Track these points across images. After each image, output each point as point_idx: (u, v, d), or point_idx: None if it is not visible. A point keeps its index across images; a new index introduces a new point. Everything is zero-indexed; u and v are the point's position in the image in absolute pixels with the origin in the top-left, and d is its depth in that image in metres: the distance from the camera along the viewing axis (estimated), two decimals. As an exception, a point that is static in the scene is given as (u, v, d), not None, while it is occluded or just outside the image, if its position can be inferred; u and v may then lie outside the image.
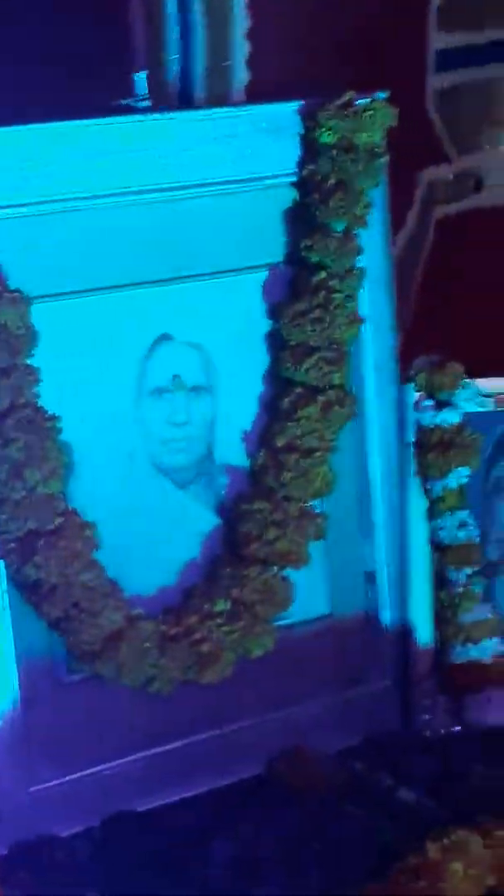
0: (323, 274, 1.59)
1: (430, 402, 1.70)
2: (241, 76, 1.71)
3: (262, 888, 1.44)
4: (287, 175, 1.59)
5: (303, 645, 1.69)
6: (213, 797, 1.60)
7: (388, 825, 1.56)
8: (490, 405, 1.72)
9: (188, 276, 1.57)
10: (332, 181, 1.57)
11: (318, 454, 1.60)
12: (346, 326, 1.60)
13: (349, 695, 1.72)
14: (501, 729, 1.70)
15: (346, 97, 1.56)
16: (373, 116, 1.56)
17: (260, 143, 1.57)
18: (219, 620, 1.57)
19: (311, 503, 1.62)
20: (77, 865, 1.49)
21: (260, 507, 1.60)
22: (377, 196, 1.63)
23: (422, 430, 1.70)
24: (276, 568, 1.60)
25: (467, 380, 1.71)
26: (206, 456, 1.63)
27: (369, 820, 1.57)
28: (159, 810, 1.57)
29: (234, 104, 1.63)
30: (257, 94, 1.70)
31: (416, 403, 1.70)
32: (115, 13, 1.66)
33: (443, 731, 1.73)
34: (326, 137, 1.56)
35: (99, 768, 1.57)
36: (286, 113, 1.58)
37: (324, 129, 1.56)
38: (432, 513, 1.71)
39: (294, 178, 1.60)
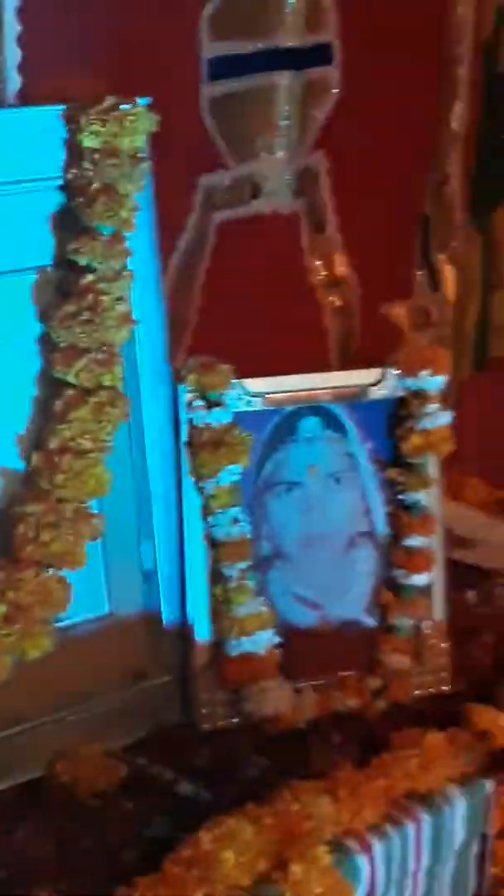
0: (91, 276, 1.60)
1: (201, 402, 1.72)
2: (13, 82, 1.72)
3: (36, 886, 1.45)
4: (52, 179, 1.60)
5: (83, 645, 1.70)
6: (-8, 801, 1.61)
7: (165, 818, 1.58)
8: (259, 404, 1.76)
9: (-46, 279, 1.58)
10: (96, 185, 1.58)
11: (91, 455, 1.62)
12: (117, 328, 1.62)
13: (132, 691, 1.74)
14: (275, 719, 1.74)
15: (107, 102, 1.58)
16: (134, 122, 1.58)
17: (23, 147, 1.57)
18: (-5, 623, 1.58)
19: (86, 504, 1.63)
20: None
21: (34, 509, 1.60)
22: (144, 199, 1.64)
23: (194, 430, 1.72)
24: (52, 570, 1.61)
25: (236, 380, 1.74)
26: (-20, 459, 1.63)
27: (145, 814, 1.59)
28: None
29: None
30: (30, 99, 1.71)
31: (189, 403, 1.72)
32: None
33: (221, 723, 1.75)
34: (89, 141, 1.58)
35: None
36: (49, 117, 1.59)
37: (86, 134, 1.57)
38: (206, 510, 1.73)
39: (59, 182, 1.61)
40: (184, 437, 1.73)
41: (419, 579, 1.85)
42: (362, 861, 1.56)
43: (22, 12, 1.68)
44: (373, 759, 1.65)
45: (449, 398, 2.34)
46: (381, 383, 1.82)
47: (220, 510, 1.73)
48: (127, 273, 1.63)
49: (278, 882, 1.49)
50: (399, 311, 2.35)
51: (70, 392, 1.62)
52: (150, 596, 1.76)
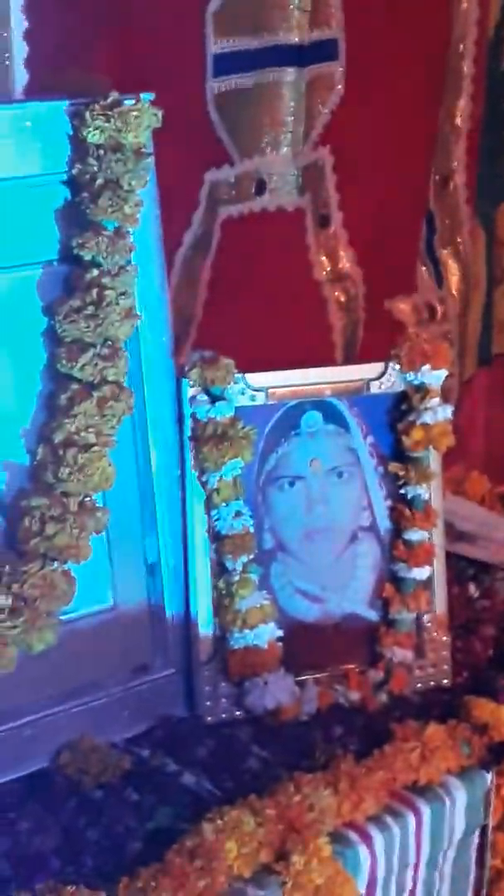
0: (95, 271, 1.61)
1: (204, 397, 1.73)
2: (20, 77, 1.72)
3: (40, 878, 1.46)
4: (56, 174, 1.61)
5: (87, 637, 1.71)
6: (-3, 792, 1.62)
7: (168, 809, 1.60)
8: (262, 399, 1.77)
9: (-41, 274, 1.59)
10: (100, 180, 1.59)
11: (96, 449, 1.63)
12: (121, 323, 1.63)
13: (136, 684, 1.75)
14: (277, 712, 1.75)
15: (111, 98, 1.59)
16: (138, 117, 1.60)
17: (28, 142, 1.59)
18: (0, 617, 1.58)
19: (91, 498, 1.64)
20: None
21: (39, 502, 1.61)
22: (148, 195, 1.66)
23: (197, 424, 1.73)
24: (56, 563, 1.62)
25: (239, 375, 1.75)
26: (-15, 453, 1.64)
27: (149, 805, 1.60)
28: None
29: (2, 103, 1.63)
30: (36, 94, 1.72)
31: (192, 398, 1.73)
32: None
33: (224, 715, 1.77)
34: (93, 137, 1.59)
35: None
36: (53, 112, 1.60)
37: (90, 129, 1.58)
38: (209, 504, 1.74)
39: (64, 177, 1.62)
40: (187, 431, 1.74)
41: (420, 573, 1.86)
42: (363, 852, 1.58)
43: (28, 8, 1.69)
44: (374, 752, 1.67)
45: (452, 393, 2.36)
46: (382, 378, 1.83)
47: (224, 504, 1.74)
48: (131, 268, 1.64)
49: (280, 873, 1.51)
50: (403, 307, 2.36)
51: (75, 386, 1.63)
52: (153, 589, 1.77)
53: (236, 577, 1.74)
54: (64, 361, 1.62)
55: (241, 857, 1.49)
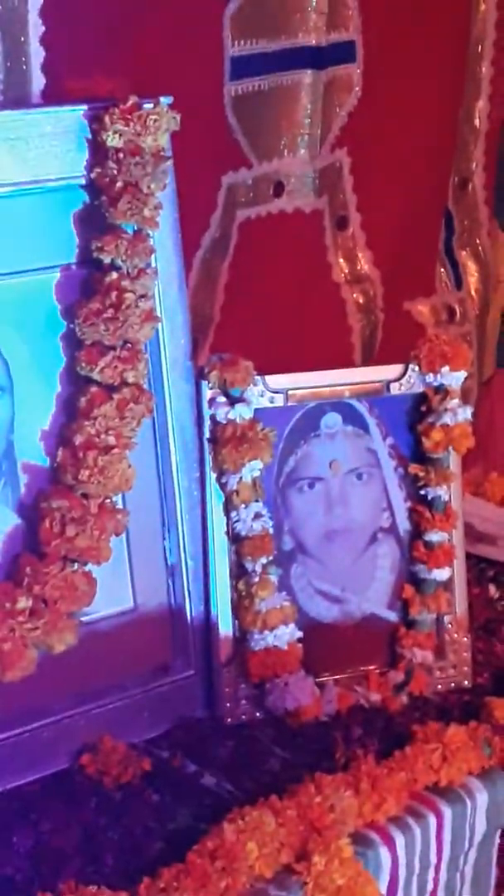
0: (115, 274, 1.62)
1: (224, 399, 1.74)
2: (37, 81, 1.73)
3: (62, 877, 1.47)
4: (75, 178, 1.62)
5: (108, 639, 1.72)
6: (18, 792, 1.61)
7: (188, 810, 1.60)
8: (281, 401, 1.77)
9: (-20, 278, 1.60)
10: (119, 184, 1.60)
11: (116, 451, 1.63)
12: (140, 325, 1.63)
13: (156, 685, 1.76)
14: (297, 713, 1.75)
15: (130, 102, 1.59)
16: (157, 121, 1.60)
17: (48, 146, 1.59)
18: (21, 618, 1.58)
19: (111, 499, 1.65)
20: None
21: (59, 504, 1.62)
22: (167, 198, 1.66)
23: (217, 426, 1.74)
24: (77, 564, 1.63)
25: (258, 376, 1.75)
26: (5, 455, 1.64)
27: (169, 806, 1.61)
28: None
29: (19, 108, 1.64)
30: (54, 98, 1.73)
31: (211, 400, 1.74)
32: None
33: (244, 716, 1.77)
34: (112, 141, 1.59)
35: None
36: (73, 116, 1.61)
37: (110, 133, 1.59)
38: (229, 505, 1.75)
39: (83, 181, 1.63)
40: (206, 433, 1.75)
41: (440, 574, 1.86)
42: (384, 853, 1.58)
43: (45, 12, 1.69)
44: (395, 753, 1.67)
45: (471, 394, 2.36)
46: (402, 379, 1.83)
47: (243, 505, 1.74)
48: (151, 271, 1.65)
49: (301, 874, 1.51)
50: (422, 308, 2.36)
51: (95, 389, 1.63)
52: (173, 590, 1.77)
53: (256, 579, 1.75)
54: (84, 364, 1.63)
55: (263, 858, 1.50)
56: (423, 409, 1.84)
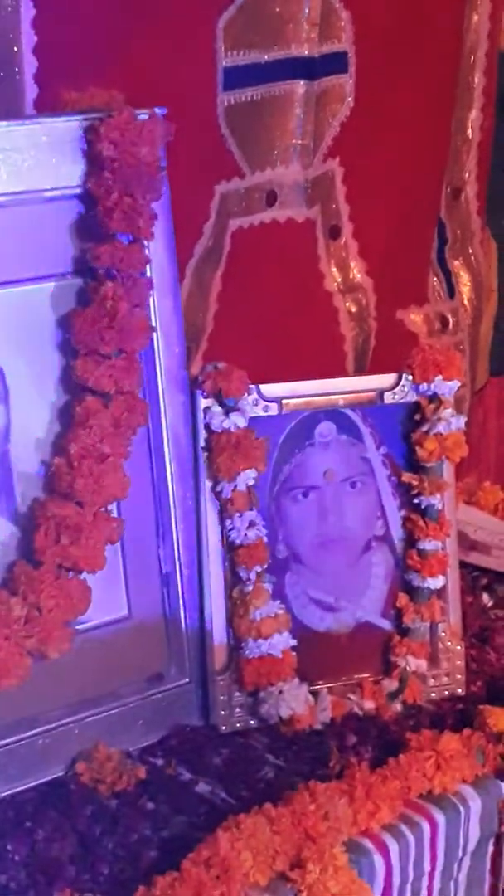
0: (110, 284, 1.62)
1: (218, 408, 1.74)
2: (31, 91, 1.74)
3: (56, 885, 1.47)
4: (70, 188, 1.62)
5: (102, 647, 1.72)
6: (13, 801, 1.62)
7: (183, 818, 1.61)
8: (275, 410, 1.78)
9: (-25, 288, 1.60)
10: (114, 194, 1.60)
11: (110, 460, 1.64)
12: (135, 335, 1.64)
13: (150, 693, 1.76)
14: (291, 721, 1.76)
15: (125, 112, 1.60)
16: (152, 131, 1.61)
17: (42, 157, 1.60)
18: (15, 626, 1.59)
19: (106, 508, 1.66)
20: None
21: (54, 513, 1.62)
22: (162, 208, 1.67)
23: (211, 435, 1.74)
24: (72, 572, 1.63)
25: (252, 386, 1.76)
26: (1, 464, 1.64)
27: (164, 814, 1.61)
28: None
29: (12, 118, 1.64)
30: (46, 109, 1.73)
31: (205, 409, 1.74)
32: None
33: (238, 724, 1.77)
34: (108, 151, 1.59)
35: None
36: (68, 127, 1.61)
37: (105, 143, 1.59)
38: (223, 514, 1.75)
39: (78, 191, 1.63)
40: (201, 442, 1.75)
41: (434, 582, 1.86)
42: (378, 861, 1.58)
43: (38, 22, 1.70)
44: (389, 761, 1.67)
45: (464, 403, 2.37)
46: (396, 388, 1.84)
47: (237, 514, 1.74)
48: (146, 280, 1.65)
49: (295, 881, 1.51)
50: (415, 318, 2.37)
51: (90, 398, 1.64)
52: (168, 599, 1.78)
53: (250, 587, 1.75)
54: (79, 373, 1.63)
55: (257, 866, 1.50)
56: (417, 418, 1.85)
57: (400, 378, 1.84)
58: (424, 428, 1.84)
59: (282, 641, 1.76)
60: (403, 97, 2.21)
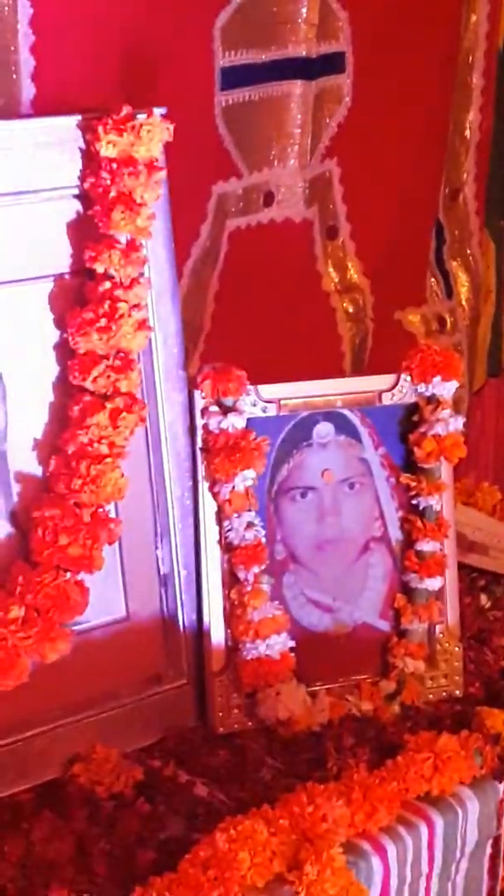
0: (108, 284, 1.62)
1: (216, 408, 1.74)
2: (27, 90, 1.73)
3: (53, 886, 1.46)
4: (69, 187, 1.62)
5: (100, 648, 1.71)
6: (10, 802, 1.61)
7: (180, 819, 1.60)
8: (273, 410, 1.77)
9: (-28, 288, 1.60)
10: (113, 194, 1.60)
11: (108, 460, 1.63)
12: (133, 335, 1.64)
13: (148, 694, 1.75)
14: (289, 722, 1.75)
15: (123, 112, 1.60)
16: (151, 131, 1.60)
17: (41, 156, 1.60)
18: (13, 627, 1.58)
19: (104, 508, 1.65)
20: None
21: (52, 513, 1.62)
22: (160, 207, 1.66)
23: (209, 435, 1.74)
24: (69, 573, 1.63)
25: (251, 386, 1.75)
26: (-2, 464, 1.65)
27: (161, 815, 1.61)
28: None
29: (14, 117, 1.65)
30: (44, 108, 1.73)
31: (204, 409, 1.74)
32: None
33: (236, 726, 1.77)
34: (106, 151, 1.59)
35: None
36: (66, 126, 1.61)
37: (103, 143, 1.59)
38: (221, 515, 1.75)
39: (76, 191, 1.63)
40: (199, 442, 1.75)
41: (432, 583, 1.86)
42: (376, 863, 1.58)
43: (35, 21, 1.70)
44: (386, 762, 1.67)
45: (462, 404, 2.37)
46: (394, 389, 1.84)
47: (235, 515, 1.74)
48: (144, 280, 1.65)
49: (293, 883, 1.50)
50: (413, 318, 2.37)
51: (87, 398, 1.63)
52: (166, 600, 1.77)
53: (248, 588, 1.75)
54: (77, 373, 1.63)
55: (255, 867, 1.49)
56: (415, 419, 1.84)
57: (398, 379, 1.84)
58: (423, 429, 1.84)
59: (280, 642, 1.76)
60: (401, 97, 2.21)
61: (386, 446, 1.86)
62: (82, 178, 1.62)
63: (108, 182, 1.60)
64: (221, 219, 2.05)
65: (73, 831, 1.56)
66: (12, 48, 1.70)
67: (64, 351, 1.66)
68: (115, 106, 1.62)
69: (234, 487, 1.73)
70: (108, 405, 1.63)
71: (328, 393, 1.82)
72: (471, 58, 2.34)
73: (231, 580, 1.77)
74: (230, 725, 1.77)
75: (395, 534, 1.87)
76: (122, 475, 1.65)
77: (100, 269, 1.63)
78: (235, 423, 1.73)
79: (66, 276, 1.65)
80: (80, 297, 1.65)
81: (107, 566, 1.66)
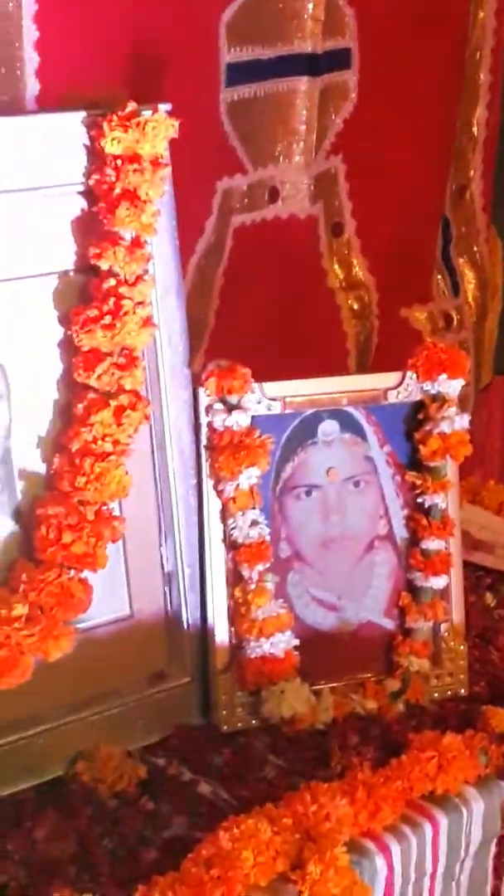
0: (113, 281, 1.62)
1: (220, 406, 1.73)
2: (32, 87, 1.73)
3: (56, 885, 1.46)
4: (74, 184, 1.62)
5: (104, 646, 1.71)
6: (13, 800, 1.61)
7: (183, 818, 1.60)
8: (278, 408, 1.77)
9: (-24, 284, 1.59)
10: (118, 190, 1.59)
11: (112, 458, 1.63)
12: (138, 332, 1.63)
13: (152, 692, 1.75)
14: (293, 721, 1.75)
15: (129, 109, 1.59)
16: (156, 128, 1.60)
17: (45, 153, 1.59)
18: (17, 625, 1.58)
19: (108, 506, 1.65)
20: None
21: (56, 511, 1.61)
22: (165, 204, 1.66)
23: (213, 433, 1.73)
24: (73, 571, 1.62)
25: (255, 384, 1.75)
26: (2, 462, 1.64)
27: (164, 813, 1.60)
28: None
29: (19, 114, 1.64)
30: (48, 104, 1.72)
31: (208, 407, 1.73)
32: None
33: (240, 724, 1.76)
34: (111, 147, 1.59)
35: None
36: (71, 123, 1.60)
37: (108, 140, 1.58)
38: (225, 513, 1.74)
39: (81, 187, 1.62)
40: (204, 440, 1.75)
41: (437, 582, 1.85)
42: (380, 862, 1.57)
43: (39, 17, 1.69)
44: (391, 761, 1.67)
45: (468, 402, 2.36)
46: (400, 387, 1.83)
47: (240, 513, 1.74)
48: (148, 278, 1.65)
49: (296, 882, 1.50)
50: (419, 315, 2.36)
51: (92, 395, 1.63)
52: (170, 598, 1.77)
53: (252, 586, 1.74)
54: (81, 371, 1.62)
55: (258, 866, 1.49)
56: (421, 416, 1.84)
57: (404, 376, 1.84)
58: (428, 427, 1.83)
59: (284, 641, 1.75)
60: (408, 93, 2.20)
61: (391, 444, 1.85)
62: (87, 175, 1.62)
63: (113, 178, 1.60)
64: (226, 215, 2.04)
65: (77, 829, 1.56)
66: (16, 44, 1.69)
67: (68, 348, 1.65)
68: (119, 102, 1.61)
69: (238, 485, 1.73)
70: (113, 403, 1.62)
71: (333, 391, 1.81)
72: (478, 54, 2.33)
73: (235, 578, 1.76)
74: (234, 724, 1.77)
75: (401, 532, 1.87)
76: (126, 473, 1.65)
77: (104, 265, 1.62)
78: (240, 420, 1.73)
79: (71, 273, 1.65)
80: (84, 294, 1.65)
81: (110, 564, 1.66)
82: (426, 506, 1.85)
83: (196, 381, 1.75)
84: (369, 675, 1.86)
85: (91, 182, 1.62)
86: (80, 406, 1.63)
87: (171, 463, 1.74)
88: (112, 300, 1.62)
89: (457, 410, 1.83)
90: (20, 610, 1.59)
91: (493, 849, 1.74)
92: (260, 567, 1.75)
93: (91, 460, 1.62)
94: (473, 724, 1.76)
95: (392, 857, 1.59)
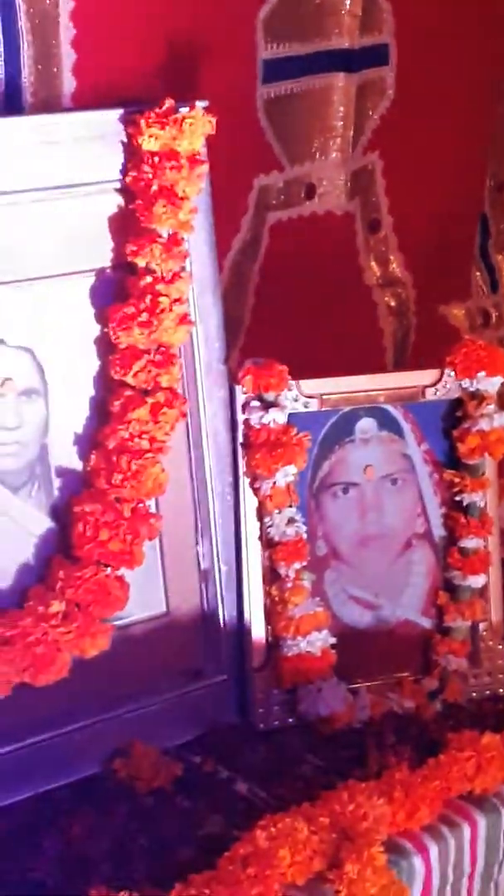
0: (149, 278, 1.61)
1: (257, 403, 1.73)
2: (68, 84, 1.73)
3: (91, 882, 1.46)
4: (111, 181, 1.62)
5: (140, 643, 1.71)
6: (49, 797, 1.61)
7: (220, 816, 1.60)
8: (315, 405, 1.76)
9: (15, 281, 1.58)
10: (155, 187, 1.59)
11: (149, 455, 1.63)
12: (174, 329, 1.63)
13: (187, 690, 1.75)
14: (330, 719, 1.75)
15: (165, 105, 1.59)
16: (193, 125, 1.60)
17: (83, 150, 1.59)
18: (54, 622, 1.58)
19: (144, 504, 1.64)
20: None
21: (93, 508, 1.61)
22: (202, 201, 1.66)
23: (250, 431, 1.73)
24: (110, 568, 1.62)
25: (292, 381, 1.74)
26: (39, 459, 1.64)
27: (201, 811, 1.60)
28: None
29: (56, 111, 1.64)
30: (84, 101, 1.72)
31: (245, 404, 1.73)
32: None
33: (277, 722, 1.76)
34: (148, 145, 1.59)
35: None
36: (109, 120, 1.61)
37: (145, 137, 1.58)
38: (262, 510, 1.74)
39: (118, 185, 1.62)
40: (240, 437, 1.74)
41: (475, 581, 1.85)
42: (418, 862, 1.57)
43: (76, 15, 1.69)
44: (428, 760, 1.66)
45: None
46: (437, 384, 1.82)
47: (277, 510, 1.74)
48: (185, 275, 1.64)
49: (333, 882, 1.50)
50: (457, 312, 2.35)
51: (128, 393, 1.63)
52: (206, 595, 1.77)
53: (289, 584, 1.74)
54: (117, 368, 1.62)
55: (295, 865, 1.49)
56: (459, 414, 1.83)
57: (442, 374, 1.83)
58: (466, 424, 1.83)
59: (321, 639, 1.75)
60: (445, 89, 2.19)
61: (429, 442, 1.84)
62: (124, 172, 1.62)
63: (150, 176, 1.60)
64: (263, 212, 2.03)
65: (112, 827, 1.56)
66: (53, 42, 1.69)
67: (105, 345, 1.65)
68: (157, 99, 1.61)
69: (275, 483, 1.73)
70: (149, 400, 1.62)
71: (370, 388, 1.81)
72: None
73: (272, 576, 1.76)
74: (270, 722, 1.77)
75: (438, 530, 1.86)
76: (163, 470, 1.64)
77: (141, 263, 1.62)
78: (277, 418, 1.73)
79: (108, 271, 1.65)
80: (121, 291, 1.65)
81: (147, 561, 1.66)
82: (464, 504, 1.84)
83: (232, 379, 1.75)
84: (406, 673, 1.85)
85: (128, 179, 1.62)
86: (116, 403, 1.63)
87: (207, 460, 1.74)
88: (149, 297, 1.61)
89: (496, 408, 1.82)
90: (57, 607, 1.59)
91: (531, 850, 1.74)
92: (296, 565, 1.74)
93: (128, 458, 1.62)
94: (512, 724, 1.76)
95: (430, 857, 1.58)
